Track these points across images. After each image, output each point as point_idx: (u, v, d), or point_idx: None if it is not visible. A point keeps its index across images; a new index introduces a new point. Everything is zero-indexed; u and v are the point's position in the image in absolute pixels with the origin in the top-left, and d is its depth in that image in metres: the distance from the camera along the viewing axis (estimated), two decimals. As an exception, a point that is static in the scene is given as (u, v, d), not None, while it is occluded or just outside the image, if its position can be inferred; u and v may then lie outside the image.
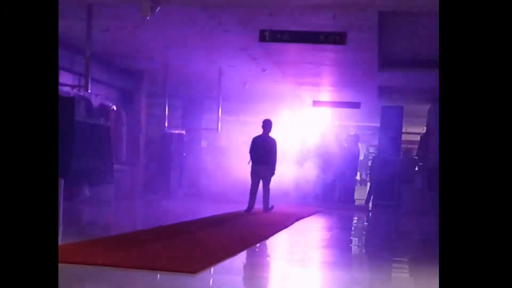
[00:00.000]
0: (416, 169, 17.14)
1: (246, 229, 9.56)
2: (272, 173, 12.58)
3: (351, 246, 9.36)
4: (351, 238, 10.76)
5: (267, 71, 14.94)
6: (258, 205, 13.05)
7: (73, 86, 12.11)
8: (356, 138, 18.22)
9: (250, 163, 12.49)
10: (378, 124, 19.00)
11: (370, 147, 26.11)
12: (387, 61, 13.34)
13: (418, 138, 19.09)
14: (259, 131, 12.92)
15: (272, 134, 12.90)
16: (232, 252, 6.68)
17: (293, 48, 12.05)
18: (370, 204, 17.19)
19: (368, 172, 21.60)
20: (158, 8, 8.82)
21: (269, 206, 12.74)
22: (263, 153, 12.38)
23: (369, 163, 20.88)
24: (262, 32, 10.00)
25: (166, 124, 16.52)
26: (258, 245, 7.75)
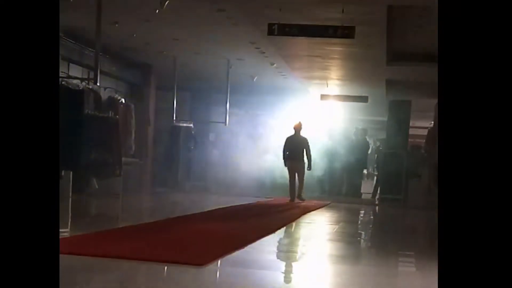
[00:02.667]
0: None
1: (253, 222, 9.61)
2: (309, 168, 14.26)
3: (357, 240, 9.39)
4: (358, 231, 10.79)
5: (275, 65, 14.97)
6: (265, 200, 13.06)
7: (82, 79, 12.17)
8: (364, 132, 18.23)
9: (287, 158, 14.12)
10: (385, 118, 19.00)
11: (377, 141, 26.10)
12: (395, 55, 13.33)
13: (425, 132, 19.07)
14: (267, 123, 13.14)
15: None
16: (239, 245, 6.72)
17: (301, 42, 12.07)
18: (377, 198, 17.22)
19: (375, 166, 21.61)
20: (168, 2, 8.87)
21: (302, 197, 14.29)
22: (297, 150, 14.06)
23: (376, 157, 20.87)
24: (270, 25, 10.02)
25: (175, 117, 16.57)
26: (265, 238, 7.79)
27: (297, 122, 14.44)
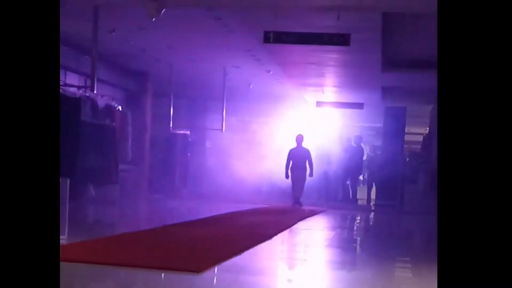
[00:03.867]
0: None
1: (250, 229, 9.63)
2: (311, 175, 15.28)
3: (354, 246, 9.42)
4: (354, 237, 10.82)
5: (271, 72, 15.01)
6: (262, 206, 13.05)
7: (79, 87, 12.21)
8: (359, 139, 18.28)
9: (290, 168, 15.22)
10: (381, 125, 19.05)
11: (373, 148, 26.16)
12: (390, 62, 13.38)
13: (421, 138, 19.13)
14: (263, 130, 13.32)
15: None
16: (236, 251, 6.75)
17: (297, 49, 12.11)
18: (372, 204, 17.27)
19: (369, 172, 21.64)
20: (164, 10, 8.91)
21: (300, 203, 15.19)
22: (300, 161, 15.22)
23: (368, 162, 20.88)
24: (266, 33, 10.06)
25: (171, 125, 16.60)
26: (262, 244, 7.82)
27: (299, 135, 15.47)
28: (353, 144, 18.15)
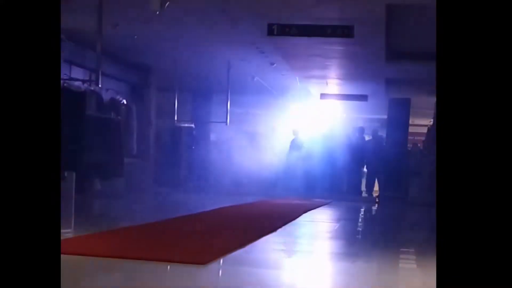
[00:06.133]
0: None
1: (254, 221, 9.67)
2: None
3: (358, 237, 9.46)
4: (358, 229, 10.85)
5: (275, 65, 15.02)
6: (266, 199, 13.04)
7: (84, 81, 12.24)
8: (361, 130, 18.29)
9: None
10: (385, 117, 19.05)
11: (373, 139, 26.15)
12: (394, 54, 13.37)
13: (425, 130, 19.12)
14: (268, 122, 13.82)
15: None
16: (240, 243, 6.79)
17: (301, 42, 12.12)
18: (376, 196, 17.30)
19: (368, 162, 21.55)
20: (168, 3, 8.94)
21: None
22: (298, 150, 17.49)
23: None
24: (270, 26, 10.08)
25: (176, 118, 16.64)
26: (266, 236, 7.86)
27: (296, 127, 17.87)
28: (357, 135, 18.16)
